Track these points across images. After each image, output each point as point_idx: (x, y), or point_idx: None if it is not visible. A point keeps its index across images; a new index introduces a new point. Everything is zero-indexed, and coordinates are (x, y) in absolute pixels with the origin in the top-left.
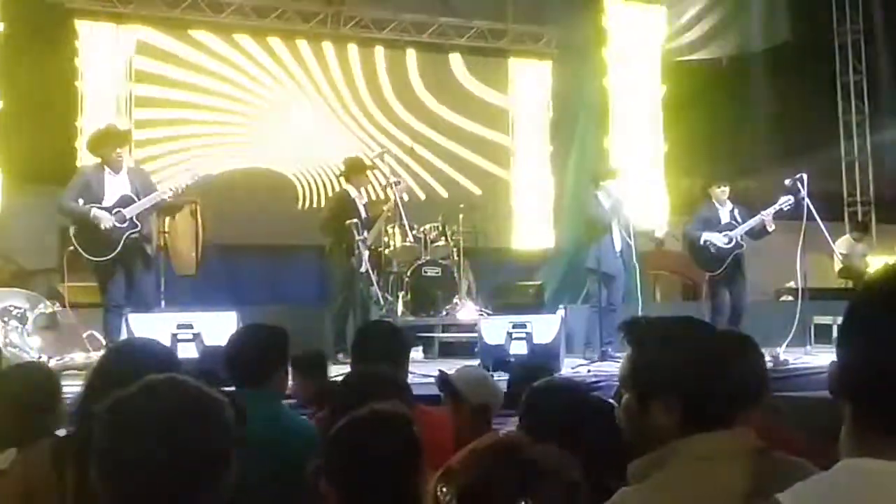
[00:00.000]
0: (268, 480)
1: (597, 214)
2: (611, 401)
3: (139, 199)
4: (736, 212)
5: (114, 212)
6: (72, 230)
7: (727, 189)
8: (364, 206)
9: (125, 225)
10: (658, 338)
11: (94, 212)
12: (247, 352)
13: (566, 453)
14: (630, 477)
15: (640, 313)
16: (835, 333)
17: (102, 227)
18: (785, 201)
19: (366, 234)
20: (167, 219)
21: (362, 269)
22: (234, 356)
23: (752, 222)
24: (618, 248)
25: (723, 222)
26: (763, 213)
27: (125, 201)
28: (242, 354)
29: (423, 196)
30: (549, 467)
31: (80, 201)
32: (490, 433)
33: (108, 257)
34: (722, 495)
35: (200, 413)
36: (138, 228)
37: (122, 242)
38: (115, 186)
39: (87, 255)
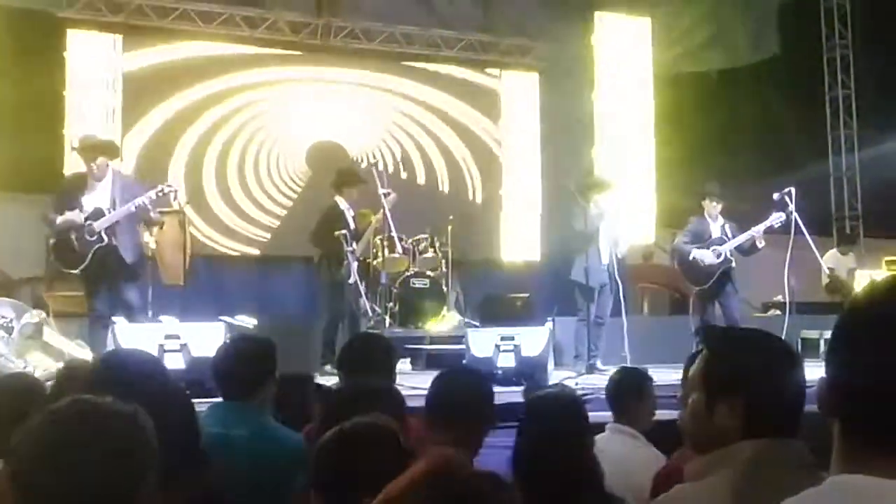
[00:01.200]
0: (254, 492)
1: (583, 227)
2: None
3: (114, 209)
4: (727, 227)
5: (85, 224)
6: (50, 241)
7: (718, 204)
8: (353, 217)
9: (93, 238)
10: (733, 342)
11: (59, 220)
12: (234, 364)
13: (500, 477)
14: (686, 475)
15: (624, 328)
16: (822, 347)
17: (71, 241)
18: (776, 218)
19: (354, 245)
20: (155, 229)
21: (351, 281)
22: (222, 368)
23: (742, 238)
24: (605, 260)
25: (713, 237)
26: (754, 229)
27: (96, 214)
28: (230, 366)
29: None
30: (485, 492)
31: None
32: (426, 457)
33: (79, 269)
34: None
35: (106, 435)
36: (105, 242)
37: (90, 256)
38: (94, 197)
39: (61, 267)
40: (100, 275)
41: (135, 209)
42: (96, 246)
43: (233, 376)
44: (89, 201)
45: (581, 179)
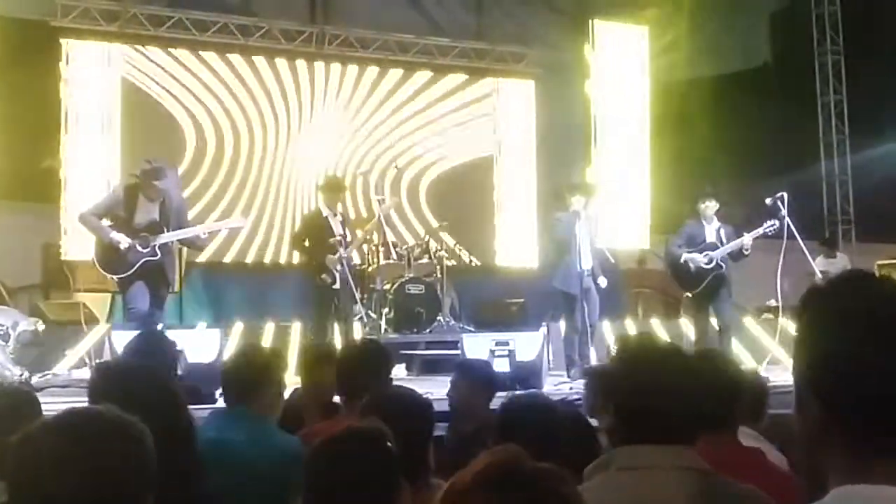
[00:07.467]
0: (252, 496)
1: (557, 233)
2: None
3: (168, 228)
4: (722, 232)
5: (140, 235)
6: (94, 244)
7: (713, 204)
8: (341, 223)
9: (146, 251)
10: (620, 352)
11: (113, 234)
12: (234, 371)
13: (565, 473)
14: (584, 477)
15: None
16: None
17: (121, 247)
18: (769, 226)
19: (341, 251)
20: None
21: (335, 286)
22: (223, 375)
23: (733, 244)
24: (585, 266)
25: (707, 241)
26: (746, 236)
27: (154, 228)
28: (230, 373)
29: (408, 213)
30: (549, 487)
31: (105, 219)
32: (488, 451)
33: (121, 275)
34: (648, 503)
35: (112, 446)
36: (157, 258)
37: (136, 266)
38: (146, 210)
39: (101, 270)
40: (141, 280)
41: (202, 237)
42: (146, 258)
43: (233, 382)
44: (142, 213)
45: (567, 182)
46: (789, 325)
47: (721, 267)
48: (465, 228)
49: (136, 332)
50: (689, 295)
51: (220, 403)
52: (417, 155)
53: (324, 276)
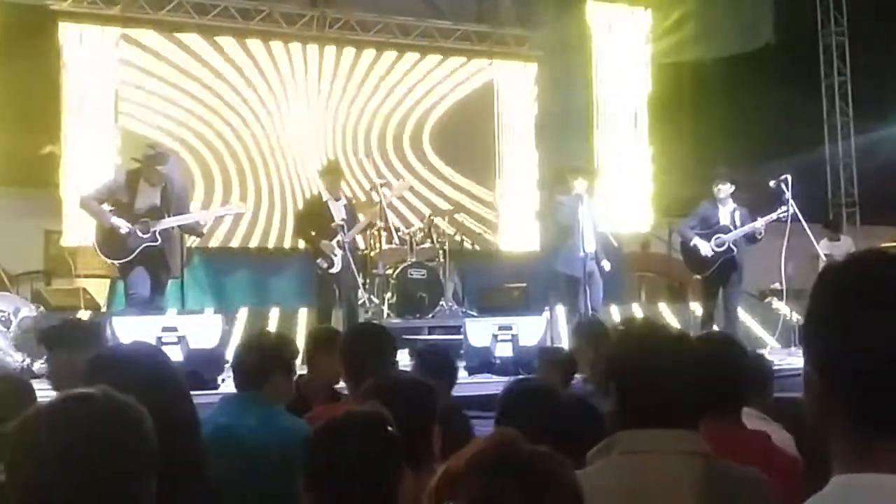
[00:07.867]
0: (261, 480)
1: (560, 216)
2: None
3: (169, 213)
4: (736, 214)
5: (140, 220)
6: (95, 230)
7: (727, 187)
8: (345, 207)
9: (146, 236)
10: (620, 337)
11: (114, 219)
12: (244, 356)
13: (562, 457)
14: (586, 461)
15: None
16: None
17: (121, 232)
18: (782, 212)
19: (340, 236)
20: None
21: (333, 271)
22: (234, 361)
23: (745, 229)
24: (588, 249)
25: (721, 223)
26: (759, 220)
27: (155, 214)
28: (240, 359)
29: (409, 196)
30: (548, 469)
31: (106, 204)
32: (484, 435)
33: (121, 261)
34: (650, 487)
35: (107, 429)
36: (157, 243)
37: (136, 251)
38: (147, 195)
39: (102, 255)
40: (142, 265)
41: (202, 223)
42: (146, 244)
43: (243, 368)
44: (142, 197)
45: (569, 165)
46: (793, 308)
47: (732, 251)
48: (468, 212)
49: (134, 320)
50: (699, 277)
51: (223, 389)
52: (418, 138)
53: (319, 260)
